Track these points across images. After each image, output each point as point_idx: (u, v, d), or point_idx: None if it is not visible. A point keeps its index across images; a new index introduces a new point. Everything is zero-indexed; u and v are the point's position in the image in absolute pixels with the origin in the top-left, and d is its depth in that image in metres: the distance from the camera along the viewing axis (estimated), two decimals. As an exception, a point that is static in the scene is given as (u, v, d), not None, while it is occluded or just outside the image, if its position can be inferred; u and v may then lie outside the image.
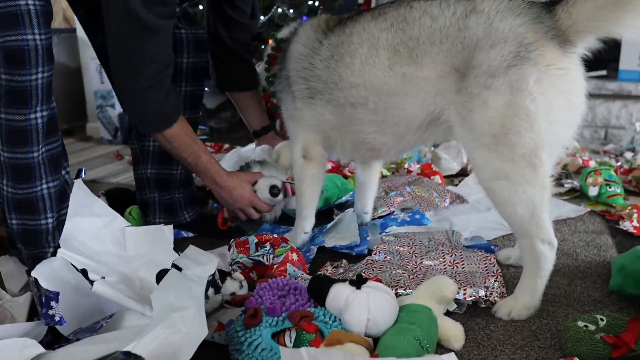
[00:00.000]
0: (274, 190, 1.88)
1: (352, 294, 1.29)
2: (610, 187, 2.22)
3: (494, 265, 1.63)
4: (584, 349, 1.25)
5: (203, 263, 1.25)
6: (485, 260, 1.65)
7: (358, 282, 1.32)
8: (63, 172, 1.64)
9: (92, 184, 2.34)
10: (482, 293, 1.47)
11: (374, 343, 1.26)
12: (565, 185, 2.41)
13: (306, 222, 1.85)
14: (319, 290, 1.34)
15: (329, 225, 1.95)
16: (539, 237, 1.38)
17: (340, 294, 1.30)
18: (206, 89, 2.06)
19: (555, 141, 1.34)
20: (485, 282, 1.52)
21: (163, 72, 1.65)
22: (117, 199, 2.11)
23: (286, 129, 1.85)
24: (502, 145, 1.31)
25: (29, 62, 1.44)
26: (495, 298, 1.48)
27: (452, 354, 0.96)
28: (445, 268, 1.63)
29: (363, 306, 1.27)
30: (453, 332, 1.32)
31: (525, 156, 1.31)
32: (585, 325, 1.33)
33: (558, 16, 1.30)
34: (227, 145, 3.15)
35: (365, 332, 1.27)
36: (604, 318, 1.35)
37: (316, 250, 1.83)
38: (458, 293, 1.43)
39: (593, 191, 2.25)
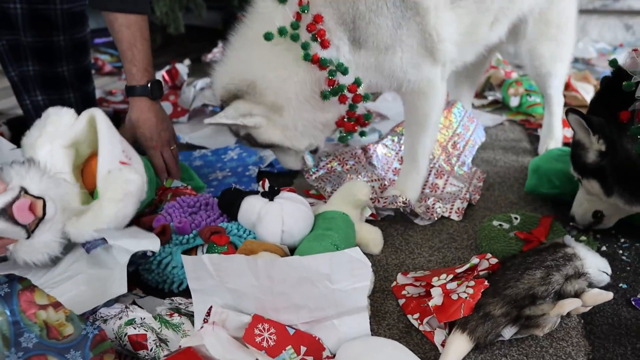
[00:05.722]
0: None
1: (265, 206, 1.24)
2: (530, 97, 2.24)
3: None
4: (498, 246, 1.27)
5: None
6: None
7: (271, 194, 1.26)
8: None
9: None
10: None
11: (290, 251, 1.22)
12: (488, 98, 2.42)
13: None
14: (230, 204, 1.28)
15: None
16: None
17: (252, 207, 1.24)
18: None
19: None
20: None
21: None
22: (21, 129, 1.94)
23: None
24: None
25: None
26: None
27: (357, 247, 0.95)
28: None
29: (276, 218, 1.22)
30: (371, 236, 1.30)
31: None
32: (500, 224, 1.34)
33: None
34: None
35: (280, 243, 1.22)
36: (517, 217, 1.37)
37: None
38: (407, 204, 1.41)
39: (514, 101, 2.27)
